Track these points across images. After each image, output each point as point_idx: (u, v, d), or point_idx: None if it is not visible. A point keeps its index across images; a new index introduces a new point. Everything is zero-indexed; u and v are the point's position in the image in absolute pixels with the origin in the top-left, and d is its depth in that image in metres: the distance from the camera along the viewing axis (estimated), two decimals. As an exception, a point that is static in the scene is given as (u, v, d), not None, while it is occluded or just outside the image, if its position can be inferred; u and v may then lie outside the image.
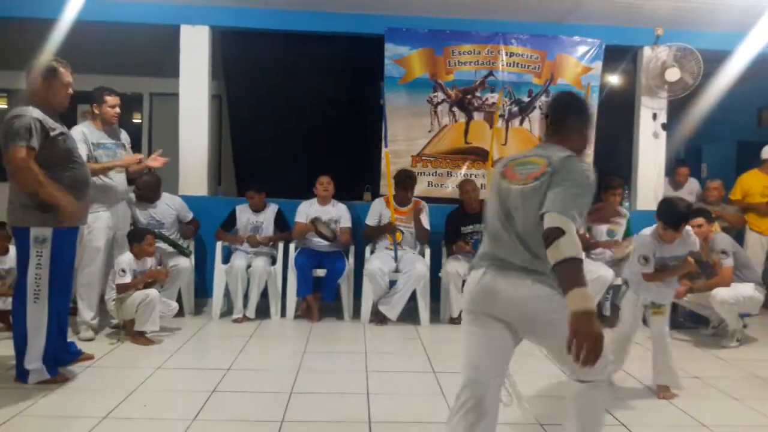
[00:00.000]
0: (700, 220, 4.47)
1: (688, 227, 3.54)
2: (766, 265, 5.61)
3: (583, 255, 1.87)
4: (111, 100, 4.38)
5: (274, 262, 5.23)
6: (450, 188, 5.77)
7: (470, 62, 5.76)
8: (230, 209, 5.36)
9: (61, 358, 3.53)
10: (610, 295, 5.07)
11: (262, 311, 5.10)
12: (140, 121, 7.17)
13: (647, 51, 5.85)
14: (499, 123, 5.75)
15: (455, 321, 5.07)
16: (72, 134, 3.65)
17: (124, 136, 4.61)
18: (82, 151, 4.04)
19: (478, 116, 5.82)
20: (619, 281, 4.47)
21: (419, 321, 5.06)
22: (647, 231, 3.57)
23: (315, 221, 5.18)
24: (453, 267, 5.02)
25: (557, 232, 1.83)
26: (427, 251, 5.30)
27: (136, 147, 4.78)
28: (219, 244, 5.24)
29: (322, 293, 5.20)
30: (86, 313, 4.31)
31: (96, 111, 4.39)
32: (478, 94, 5.78)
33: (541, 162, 2.05)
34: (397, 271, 5.12)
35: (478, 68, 5.76)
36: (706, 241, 4.52)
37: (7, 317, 4.23)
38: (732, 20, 5.25)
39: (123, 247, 4.45)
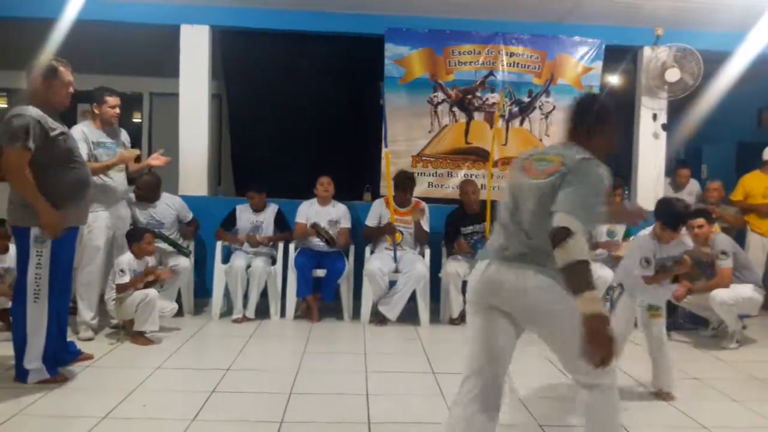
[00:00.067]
0: (700, 220, 4.48)
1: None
2: (768, 267, 5.61)
3: (590, 257, 1.89)
4: (111, 100, 4.38)
5: (273, 262, 5.23)
6: (450, 189, 5.77)
7: (470, 62, 5.76)
8: (230, 209, 5.36)
9: (61, 357, 3.53)
10: (609, 296, 5.07)
11: (262, 311, 5.09)
12: (140, 120, 7.16)
13: (647, 51, 5.85)
14: (500, 123, 5.75)
15: (455, 322, 5.07)
16: (72, 133, 3.65)
17: (124, 136, 4.61)
18: (83, 150, 4.05)
19: (478, 116, 5.82)
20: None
21: (419, 321, 5.06)
22: (645, 232, 3.57)
23: (315, 227, 5.18)
24: (453, 267, 5.02)
25: (565, 232, 1.85)
26: (427, 252, 5.30)
27: (136, 146, 4.78)
28: (219, 244, 5.24)
29: (322, 293, 5.20)
30: (86, 312, 4.31)
31: (96, 111, 4.39)
32: (478, 94, 5.78)
33: (556, 160, 2.08)
34: (396, 271, 5.11)
35: (479, 68, 5.76)
36: (707, 241, 4.52)
37: (7, 316, 4.23)
38: (732, 20, 5.25)
39: (123, 246, 4.45)
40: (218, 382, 3.47)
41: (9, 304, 3.84)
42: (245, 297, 5.02)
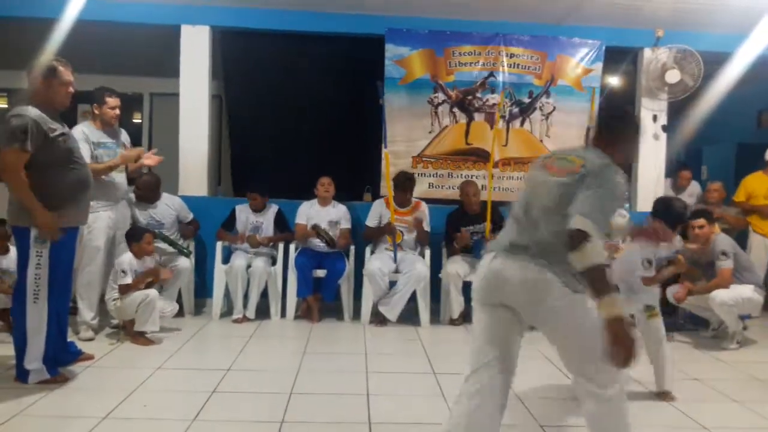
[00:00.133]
0: (701, 221, 4.48)
1: None
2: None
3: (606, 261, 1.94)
4: (111, 101, 4.37)
5: (274, 262, 5.23)
6: (451, 190, 5.76)
7: (471, 63, 5.76)
8: (230, 209, 5.35)
9: (61, 358, 3.52)
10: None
11: (262, 312, 5.09)
12: (140, 121, 7.17)
13: (647, 52, 5.85)
14: (500, 124, 5.75)
15: (455, 322, 5.07)
16: (73, 134, 3.65)
17: (124, 136, 4.61)
18: (86, 150, 4.05)
19: (478, 117, 5.82)
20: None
21: (419, 322, 5.06)
22: None
23: (315, 228, 5.18)
24: (453, 268, 5.02)
25: (583, 235, 1.88)
26: (427, 252, 5.30)
27: (136, 147, 4.77)
28: (219, 245, 5.24)
29: (322, 294, 5.20)
30: (86, 313, 4.31)
31: (96, 111, 4.38)
32: (478, 95, 5.78)
33: (578, 162, 2.11)
34: (397, 271, 5.12)
35: (479, 69, 5.77)
36: (708, 242, 4.53)
37: (7, 316, 4.23)
38: (732, 22, 5.26)
39: (123, 246, 4.45)
40: (219, 383, 3.47)
41: (9, 304, 3.83)
42: (245, 297, 5.02)
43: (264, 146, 6.17)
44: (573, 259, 1.90)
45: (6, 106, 6.81)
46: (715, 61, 5.65)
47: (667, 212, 3.45)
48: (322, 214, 5.32)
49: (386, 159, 5.34)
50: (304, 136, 6.12)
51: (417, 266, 5.02)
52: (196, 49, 5.60)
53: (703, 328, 5.01)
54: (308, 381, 3.57)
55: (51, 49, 3.95)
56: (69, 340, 3.77)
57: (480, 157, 5.79)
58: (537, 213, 2.12)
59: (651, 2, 5.12)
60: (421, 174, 5.76)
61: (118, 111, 4.43)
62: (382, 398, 3.32)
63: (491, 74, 5.77)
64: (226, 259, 5.19)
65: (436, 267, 5.26)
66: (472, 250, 5.19)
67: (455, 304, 5.05)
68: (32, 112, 3.20)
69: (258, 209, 5.30)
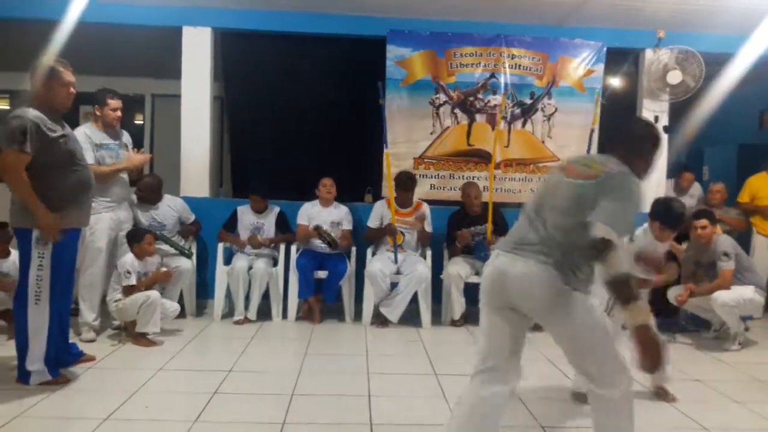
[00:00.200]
0: (704, 221, 4.48)
1: None
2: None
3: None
4: (113, 103, 4.37)
5: (275, 263, 5.23)
6: (453, 191, 5.76)
7: (472, 64, 5.76)
8: (231, 211, 5.36)
9: (63, 359, 3.52)
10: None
11: (264, 313, 5.09)
12: (142, 122, 7.18)
13: (649, 53, 5.85)
14: (502, 125, 5.75)
15: (457, 323, 5.07)
16: (76, 136, 3.65)
17: (126, 138, 4.61)
18: (89, 153, 4.05)
19: (480, 118, 5.82)
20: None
21: (420, 323, 5.05)
22: (638, 233, 3.57)
23: (317, 229, 5.18)
24: (454, 269, 5.02)
25: (607, 244, 1.90)
26: (429, 253, 5.30)
27: (136, 149, 4.78)
28: (220, 246, 5.24)
29: (324, 295, 5.20)
30: (88, 314, 4.31)
31: (98, 113, 4.39)
32: (480, 96, 5.78)
33: (599, 168, 2.13)
34: (398, 273, 5.12)
35: (480, 70, 5.77)
36: (710, 242, 4.53)
37: (9, 316, 4.23)
38: (734, 23, 5.25)
39: (123, 246, 4.46)
40: (220, 384, 3.47)
41: (11, 305, 3.83)
42: (247, 298, 5.02)
43: (265, 147, 6.17)
44: (600, 267, 1.93)
45: (8, 107, 6.82)
46: (716, 62, 5.65)
47: (666, 213, 3.45)
48: (324, 215, 5.32)
49: (387, 160, 5.34)
50: (305, 137, 6.12)
51: (418, 267, 5.02)
52: (197, 51, 5.61)
53: (704, 330, 5.00)
54: (310, 382, 3.57)
55: (53, 50, 3.94)
56: (70, 341, 3.77)
57: (481, 158, 5.79)
58: (548, 212, 2.13)
59: (652, 3, 5.13)
60: (423, 175, 5.76)
61: (119, 112, 4.43)
62: (384, 399, 3.32)
63: (493, 75, 5.77)
64: (227, 261, 5.19)
65: (437, 268, 5.26)
66: (474, 251, 5.19)
67: (456, 305, 5.04)
68: (31, 113, 3.20)
69: (259, 210, 5.30)
